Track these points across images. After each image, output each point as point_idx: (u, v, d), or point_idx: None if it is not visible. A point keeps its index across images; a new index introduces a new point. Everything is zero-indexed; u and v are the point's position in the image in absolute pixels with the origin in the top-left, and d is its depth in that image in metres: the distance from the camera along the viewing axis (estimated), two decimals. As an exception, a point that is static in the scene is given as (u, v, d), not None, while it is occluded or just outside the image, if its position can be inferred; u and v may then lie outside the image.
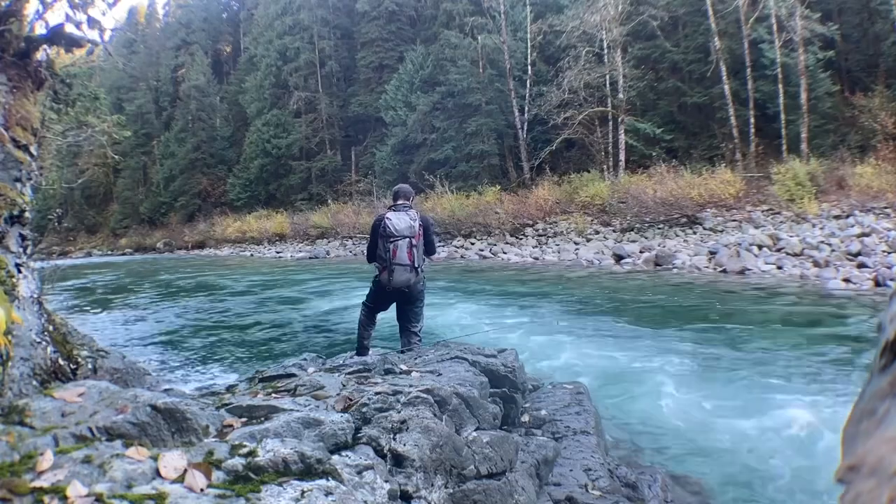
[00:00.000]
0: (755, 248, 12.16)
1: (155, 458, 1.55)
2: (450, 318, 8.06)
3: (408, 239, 3.98)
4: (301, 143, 37.03)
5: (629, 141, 21.24)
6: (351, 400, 2.35)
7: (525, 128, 24.30)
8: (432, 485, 2.05)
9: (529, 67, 24.70)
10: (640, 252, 14.16)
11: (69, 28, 2.89)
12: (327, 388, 2.54)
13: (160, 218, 45.20)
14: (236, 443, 1.77)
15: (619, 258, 14.15)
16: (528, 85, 24.39)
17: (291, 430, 1.94)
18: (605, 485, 2.77)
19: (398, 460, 2.02)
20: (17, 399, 1.90)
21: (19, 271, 2.40)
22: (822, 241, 11.62)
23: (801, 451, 3.36)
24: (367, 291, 4.36)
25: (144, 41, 57.08)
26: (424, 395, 2.42)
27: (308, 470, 1.67)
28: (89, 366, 2.97)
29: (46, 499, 1.29)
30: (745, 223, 15.03)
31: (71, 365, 2.68)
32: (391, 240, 3.96)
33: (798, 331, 6.36)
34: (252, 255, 30.38)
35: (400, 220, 4.01)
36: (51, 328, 2.66)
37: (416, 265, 4.01)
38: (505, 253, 18.25)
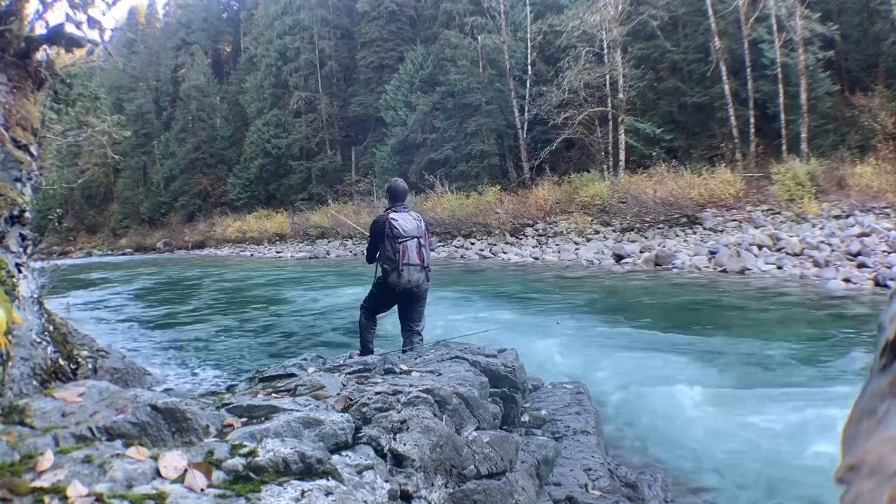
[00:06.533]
0: (755, 248, 12.16)
1: (155, 458, 1.55)
2: (450, 318, 8.05)
3: (416, 239, 3.98)
4: (301, 143, 37.04)
5: (629, 141, 21.23)
6: (351, 400, 2.35)
7: (525, 128, 24.28)
8: (432, 484, 2.05)
9: (529, 67, 24.69)
10: (640, 252, 14.16)
11: (69, 28, 2.89)
12: (327, 388, 2.54)
13: (160, 218, 45.21)
14: (236, 442, 1.77)
15: (619, 258, 14.15)
16: (528, 85, 24.38)
17: (291, 430, 1.94)
18: (606, 485, 2.78)
19: (398, 460, 2.02)
20: (17, 399, 1.90)
21: (19, 271, 2.40)
22: (822, 241, 11.62)
23: (800, 451, 3.36)
24: (366, 292, 4.35)
25: (144, 41, 57.09)
26: (424, 395, 2.42)
27: (308, 470, 1.67)
28: (89, 366, 2.97)
29: (47, 499, 1.29)
30: (745, 223, 15.03)
31: (71, 365, 2.68)
32: (400, 240, 3.94)
33: (798, 331, 6.36)
34: (252, 254, 30.38)
35: (407, 221, 3.99)
36: (51, 328, 2.66)
37: (426, 264, 4.03)
38: (505, 253, 18.25)
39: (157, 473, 1.50)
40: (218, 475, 1.57)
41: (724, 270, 11.31)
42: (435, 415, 2.34)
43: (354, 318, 4.64)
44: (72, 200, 47.81)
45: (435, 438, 2.14)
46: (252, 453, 1.67)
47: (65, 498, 1.30)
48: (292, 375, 2.97)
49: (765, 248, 12.13)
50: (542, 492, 2.63)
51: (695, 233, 15.65)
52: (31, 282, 2.57)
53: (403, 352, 4.03)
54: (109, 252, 43.49)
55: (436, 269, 4.50)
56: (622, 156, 21.29)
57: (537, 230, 19.95)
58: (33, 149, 2.67)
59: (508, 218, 20.83)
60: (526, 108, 23.99)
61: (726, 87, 19.80)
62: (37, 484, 1.34)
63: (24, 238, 2.54)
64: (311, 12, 38.22)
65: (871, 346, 5.27)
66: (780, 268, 10.75)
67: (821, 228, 13.01)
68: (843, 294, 8.44)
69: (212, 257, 31.00)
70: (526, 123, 24.16)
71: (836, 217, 13.76)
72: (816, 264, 10.34)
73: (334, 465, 1.74)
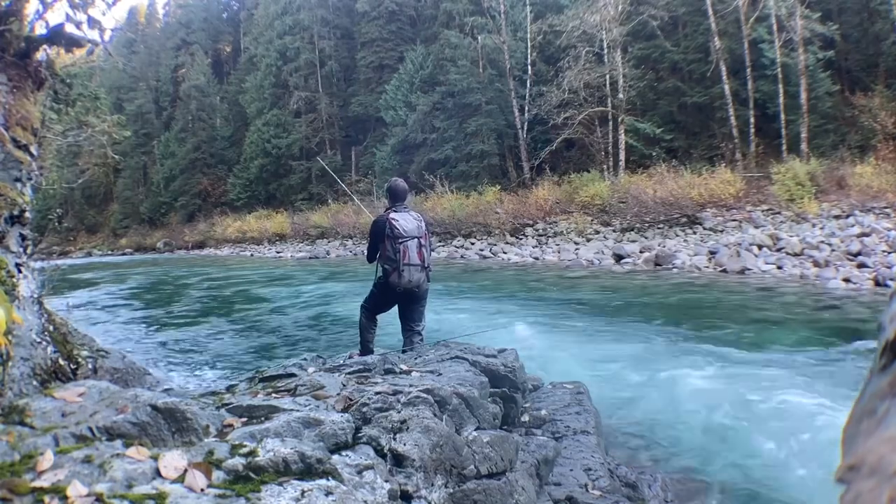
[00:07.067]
0: (755, 248, 12.16)
1: (155, 458, 1.55)
2: (450, 318, 8.06)
3: (417, 239, 3.98)
4: (301, 143, 37.06)
5: (629, 141, 21.23)
6: (351, 400, 2.35)
7: (525, 128, 24.29)
8: (432, 484, 2.05)
9: (529, 67, 24.69)
10: (640, 252, 14.16)
11: (69, 28, 2.89)
12: (327, 388, 2.54)
13: (160, 218, 45.24)
14: (236, 442, 1.77)
15: (619, 258, 14.15)
16: (528, 85, 24.38)
17: (291, 430, 1.94)
18: (605, 485, 2.77)
19: (398, 460, 2.02)
20: (17, 399, 1.90)
21: (19, 271, 2.40)
22: (822, 241, 11.62)
23: (800, 451, 3.36)
24: (367, 292, 4.36)
25: (144, 41, 57.12)
26: (424, 395, 2.42)
27: (308, 470, 1.67)
28: (89, 366, 2.97)
29: (47, 499, 1.29)
30: (745, 223, 15.03)
31: (71, 365, 2.68)
32: (400, 241, 3.94)
33: (798, 331, 6.36)
34: (252, 254, 30.39)
35: (407, 221, 4.00)
36: (51, 328, 2.66)
37: (426, 264, 4.04)
38: (505, 253, 18.25)
39: (157, 473, 1.50)
40: (218, 475, 1.56)
41: (724, 270, 11.31)
42: (435, 415, 2.34)
43: (355, 317, 4.64)
44: (72, 200, 47.86)
45: (435, 438, 2.14)
46: (252, 453, 1.67)
47: (65, 498, 1.30)
48: (292, 375, 2.97)
49: (765, 248, 12.13)
50: (542, 492, 2.63)
51: (695, 233, 15.66)
52: (31, 282, 2.57)
53: (403, 352, 4.03)
54: (109, 252, 43.51)
55: (436, 270, 4.50)
56: (622, 156, 21.29)
57: (537, 230, 19.95)
58: (33, 149, 2.67)
59: (508, 218, 20.83)
60: (526, 108, 24.00)
61: (726, 87, 19.80)
62: (37, 484, 1.34)
63: (24, 238, 2.55)
64: (311, 12, 38.22)
65: (871, 346, 5.28)
66: (780, 268, 10.75)
67: (821, 228, 13.01)
68: (843, 294, 8.44)
69: (212, 257, 31.00)
70: (526, 123, 24.16)
71: (836, 217, 13.75)
72: (816, 264, 10.34)
73: (334, 465, 1.74)
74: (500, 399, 3.24)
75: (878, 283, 8.74)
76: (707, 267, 11.87)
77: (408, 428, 2.14)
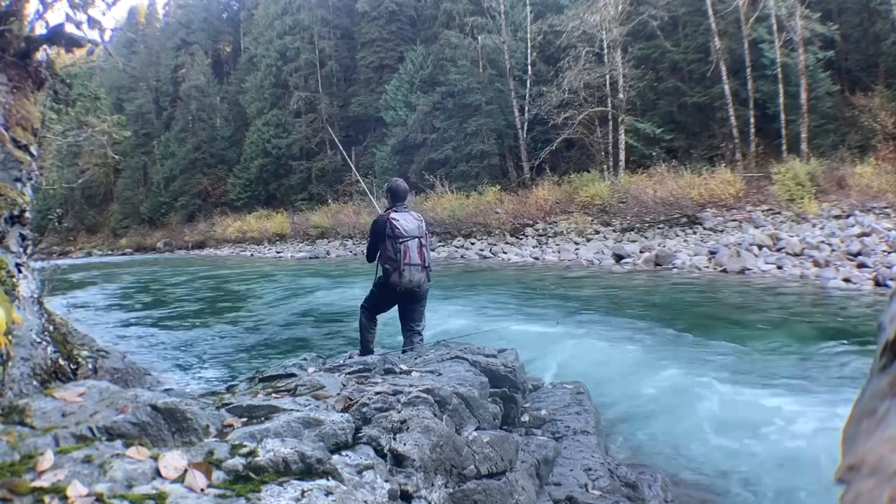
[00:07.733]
0: (755, 248, 12.15)
1: (155, 458, 1.55)
2: (450, 318, 8.05)
3: (417, 239, 3.98)
4: (301, 143, 37.07)
5: (629, 141, 21.23)
6: (351, 400, 2.35)
7: (525, 128, 24.29)
8: (432, 484, 2.05)
9: (529, 67, 24.69)
10: (640, 252, 14.16)
11: (69, 28, 2.89)
12: (327, 388, 2.54)
13: (160, 218, 45.25)
14: (236, 442, 1.77)
15: (619, 258, 14.15)
16: (528, 85, 24.38)
17: (291, 430, 1.94)
18: (605, 485, 2.78)
19: (398, 460, 2.02)
20: (17, 399, 1.90)
21: (19, 271, 2.40)
22: (822, 241, 11.62)
23: (801, 451, 3.36)
24: (367, 292, 4.36)
25: (144, 41, 57.14)
26: (424, 395, 2.42)
27: (308, 470, 1.67)
28: (89, 366, 2.97)
29: (47, 498, 1.29)
30: (745, 223, 15.03)
31: (71, 365, 2.68)
32: (401, 240, 3.94)
33: (798, 330, 6.36)
34: (252, 254, 30.39)
35: (408, 221, 4.00)
36: (51, 328, 2.66)
37: (427, 264, 4.04)
38: (505, 253, 18.25)
39: (157, 473, 1.50)
40: (218, 475, 1.56)
41: (724, 270, 11.31)
42: (435, 415, 2.34)
43: (355, 317, 4.64)
44: (72, 200, 47.86)
45: (435, 438, 2.14)
46: (252, 453, 1.67)
47: (65, 498, 1.30)
48: (292, 375, 2.97)
49: (765, 248, 12.13)
50: (542, 492, 2.63)
51: (695, 233, 15.65)
52: (31, 282, 2.57)
53: (403, 352, 4.03)
54: (109, 252, 43.53)
55: (436, 270, 4.51)
56: (622, 156, 21.29)
57: (537, 230, 19.95)
58: (33, 149, 2.67)
59: (508, 218, 20.83)
60: (526, 108, 23.99)
61: (726, 87, 19.80)
62: (37, 484, 1.34)
63: (24, 238, 2.55)
64: (311, 12, 38.23)
65: (871, 346, 5.27)
66: (780, 268, 10.75)
67: (821, 228, 13.01)
68: (843, 294, 8.44)
69: (212, 257, 31.00)
70: (526, 123, 24.15)
71: (836, 217, 13.75)
72: (816, 264, 10.34)
73: (334, 465, 1.74)
74: (500, 399, 3.24)
75: (878, 283, 8.74)
76: (707, 267, 11.87)
77: (408, 428, 2.14)
